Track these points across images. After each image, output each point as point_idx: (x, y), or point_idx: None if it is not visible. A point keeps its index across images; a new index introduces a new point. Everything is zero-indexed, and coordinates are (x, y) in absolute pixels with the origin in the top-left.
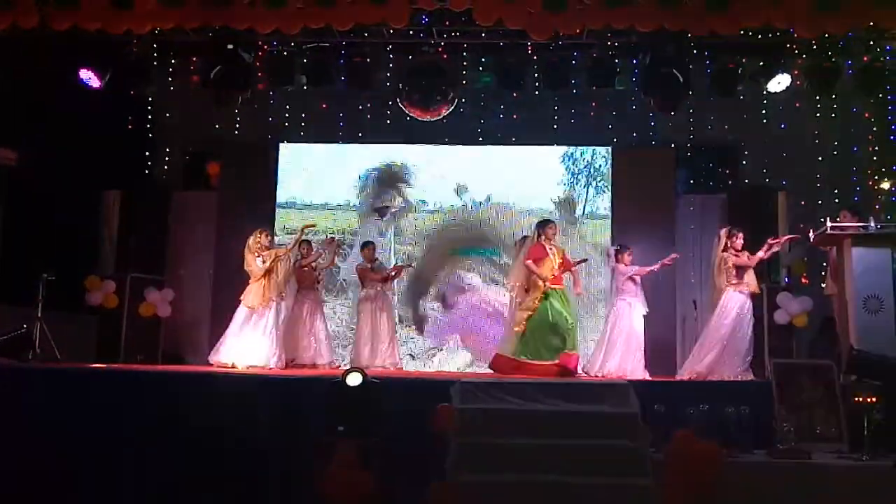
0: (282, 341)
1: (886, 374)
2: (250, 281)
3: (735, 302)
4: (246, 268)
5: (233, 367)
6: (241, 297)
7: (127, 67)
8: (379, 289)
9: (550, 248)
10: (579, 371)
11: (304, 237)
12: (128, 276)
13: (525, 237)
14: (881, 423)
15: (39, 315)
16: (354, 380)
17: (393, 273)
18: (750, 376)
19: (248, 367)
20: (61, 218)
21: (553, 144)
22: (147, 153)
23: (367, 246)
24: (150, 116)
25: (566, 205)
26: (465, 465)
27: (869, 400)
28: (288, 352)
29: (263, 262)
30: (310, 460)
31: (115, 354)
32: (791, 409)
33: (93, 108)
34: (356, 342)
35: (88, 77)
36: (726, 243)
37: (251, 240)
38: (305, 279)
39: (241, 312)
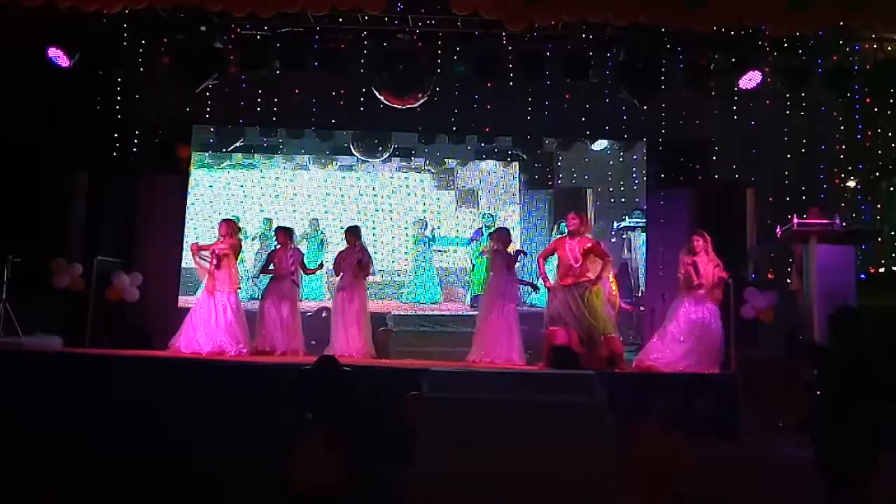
0: (252, 327)
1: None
2: (214, 268)
3: (692, 303)
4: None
5: (195, 353)
6: (206, 283)
7: (97, 47)
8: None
9: None
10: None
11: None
12: (95, 259)
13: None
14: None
15: (4, 298)
16: (326, 367)
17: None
18: (716, 369)
19: (211, 354)
20: (28, 200)
21: (526, 135)
22: (116, 135)
23: (354, 231)
24: (119, 98)
25: None
26: (433, 453)
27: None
28: (260, 339)
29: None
30: (280, 447)
31: (82, 338)
32: (755, 402)
33: (61, 87)
34: (332, 330)
35: (57, 56)
36: (688, 247)
37: (222, 227)
38: (283, 268)
39: (205, 298)
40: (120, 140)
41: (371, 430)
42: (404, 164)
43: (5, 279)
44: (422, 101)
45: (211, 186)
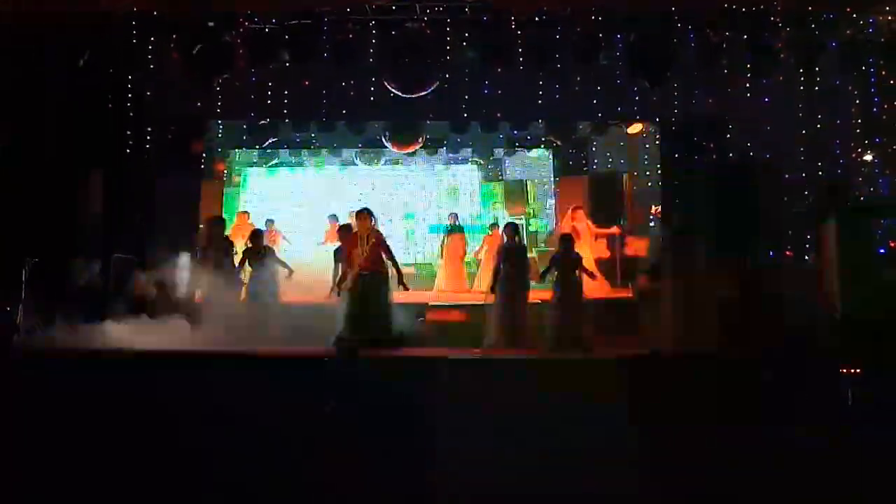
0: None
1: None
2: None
3: None
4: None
5: None
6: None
7: (106, 47)
8: None
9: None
10: None
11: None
12: (112, 257)
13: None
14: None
15: (24, 298)
16: (347, 357)
17: None
18: None
19: None
20: (44, 200)
21: (537, 120)
22: (128, 133)
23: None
24: (130, 96)
25: None
26: (453, 440)
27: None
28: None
29: None
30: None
31: None
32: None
33: (73, 87)
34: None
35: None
36: None
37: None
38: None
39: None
40: (133, 138)
41: (390, 418)
42: (452, 155)
43: (24, 279)
44: (431, 88)
45: (259, 185)
